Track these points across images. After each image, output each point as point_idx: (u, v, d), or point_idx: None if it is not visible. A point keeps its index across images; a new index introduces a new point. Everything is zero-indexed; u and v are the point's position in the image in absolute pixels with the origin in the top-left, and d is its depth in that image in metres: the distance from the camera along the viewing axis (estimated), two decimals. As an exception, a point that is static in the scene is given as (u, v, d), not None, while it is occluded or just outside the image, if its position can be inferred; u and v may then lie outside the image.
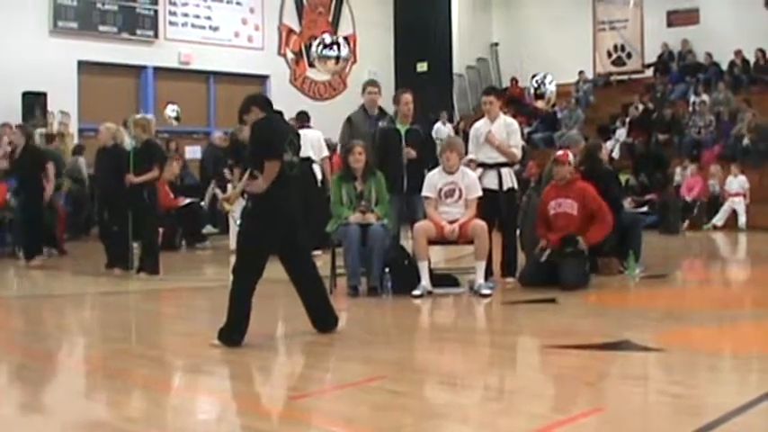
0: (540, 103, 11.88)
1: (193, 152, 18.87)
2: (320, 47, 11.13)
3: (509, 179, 9.14)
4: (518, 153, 9.32)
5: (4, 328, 7.85)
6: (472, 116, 18.76)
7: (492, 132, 9.12)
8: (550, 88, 11.35)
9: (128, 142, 11.37)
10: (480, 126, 9.33)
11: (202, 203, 15.74)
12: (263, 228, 6.31)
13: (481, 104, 9.48)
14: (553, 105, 16.90)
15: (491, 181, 9.04)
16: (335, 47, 11.06)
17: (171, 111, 16.62)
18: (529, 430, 4.14)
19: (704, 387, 5.16)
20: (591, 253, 9.02)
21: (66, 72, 17.63)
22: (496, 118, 9.27)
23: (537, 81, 11.35)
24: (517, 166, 9.52)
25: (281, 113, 6.67)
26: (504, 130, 9.18)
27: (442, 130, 20.09)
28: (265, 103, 6.62)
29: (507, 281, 9.12)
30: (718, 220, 17.48)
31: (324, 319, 6.57)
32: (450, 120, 21.73)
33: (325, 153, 12.58)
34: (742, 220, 17.34)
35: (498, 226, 9.16)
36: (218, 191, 15.36)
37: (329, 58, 11.07)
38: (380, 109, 9.84)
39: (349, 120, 9.79)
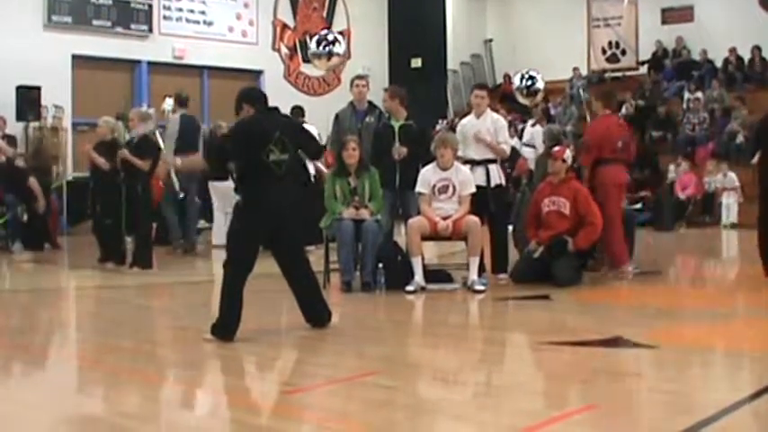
0: (527, 101, 11.79)
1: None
2: (322, 44, 11.01)
3: (497, 175, 9.12)
4: (507, 149, 9.30)
5: (-4, 322, 7.84)
6: (467, 112, 18.70)
7: (480, 131, 9.09)
8: (539, 85, 11.31)
9: (122, 133, 11.36)
10: (467, 123, 9.31)
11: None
12: (250, 223, 6.30)
13: (472, 99, 9.42)
14: (547, 101, 16.83)
15: (479, 177, 8.99)
16: (337, 44, 11.00)
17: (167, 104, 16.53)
18: (521, 426, 4.14)
19: (697, 384, 5.17)
20: (582, 253, 9.01)
21: (60, 66, 17.56)
22: (483, 114, 9.25)
23: (526, 77, 11.26)
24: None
25: (276, 109, 6.62)
26: (492, 126, 9.17)
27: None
28: (257, 100, 6.52)
29: (499, 277, 9.12)
30: (731, 218, 17.44)
31: (317, 315, 6.56)
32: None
33: None
34: (725, 215, 17.46)
35: (487, 222, 9.15)
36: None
37: (332, 54, 10.99)
38: (370, 103, 9.83)
39: (336, 117, 9.81)
